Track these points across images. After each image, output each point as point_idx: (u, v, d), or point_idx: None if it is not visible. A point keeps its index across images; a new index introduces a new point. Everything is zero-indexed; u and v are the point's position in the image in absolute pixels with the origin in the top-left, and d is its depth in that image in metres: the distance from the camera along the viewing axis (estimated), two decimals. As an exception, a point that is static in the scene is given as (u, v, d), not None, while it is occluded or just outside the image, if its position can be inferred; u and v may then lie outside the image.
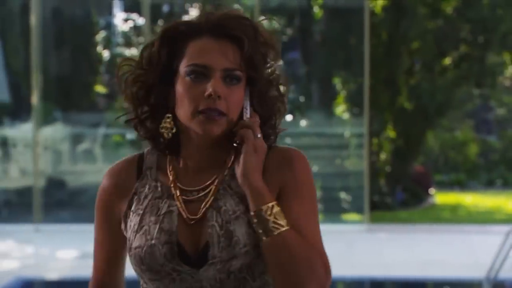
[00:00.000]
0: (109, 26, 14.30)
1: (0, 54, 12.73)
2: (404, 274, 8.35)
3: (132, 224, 1.85)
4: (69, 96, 13.16)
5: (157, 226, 1.82)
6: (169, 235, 1.81)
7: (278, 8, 13.39)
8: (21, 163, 12.39)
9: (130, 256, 1.84)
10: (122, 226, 1.90)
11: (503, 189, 17.15)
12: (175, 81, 1.84)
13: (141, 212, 1.85)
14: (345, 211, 11.88)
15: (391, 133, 14.77)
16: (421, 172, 15.91)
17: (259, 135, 1.83)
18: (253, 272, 1.81)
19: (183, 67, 1.83)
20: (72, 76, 13.27)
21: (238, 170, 1.81)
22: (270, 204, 1.77)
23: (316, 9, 13.87)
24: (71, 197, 12.47)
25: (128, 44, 14.24)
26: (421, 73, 14.99)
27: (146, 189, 1.88)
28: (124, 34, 14.19)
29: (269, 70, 1.88)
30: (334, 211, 11.63)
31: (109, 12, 14.39)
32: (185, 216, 1.83)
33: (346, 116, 13.70)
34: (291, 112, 11.61)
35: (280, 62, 1.92)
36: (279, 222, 1.76)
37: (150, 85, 1.86)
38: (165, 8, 14.13)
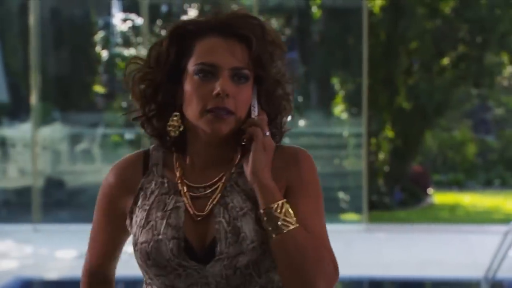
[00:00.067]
0: (108, 26, 14.29)
1: (-2, 54, 12.74)
2: (403, 274, 8.36)
3: (138, 220, 1.86)
4: (67, 96, 13.16)
5: (164, 222, 1.83)
6: (176, 231, 1.81)
7: (276, 8, 13.40)
8: (20, 163, 12.39)
9: (136, 251, 1.85)
10: (127, 222, 1.91)
11: (501, 189, 17.15)
12: (183, 79, 1.85)
13: (147, 207, 1.86)
14: (343, 211, 11.88)
15: (389, 133, 14.78)
16: (420, 172, 15.91)
17: (267, 133, 1.84)
18: (259, 269, 1.82)
19: (191, 66, 1.84)
20: (70, 76, 13.27)
21: (248, 168, 1.81)
22: (279, 202, 1.78)
23: (315, 9, 13.87)
24: (70, 197, 12.46)
25: (127, 44, 14.24)
26: (419, 73, 14.99)
27: (153, 185, 1.89)
28: (123, 34, 14.19)
29: (276, 69, 1.88)
30: (333, 211, 11.62)
31: (108, 12, 14.39)
32: (191, 212, 1.84)
33: (344, 116, 13.70)
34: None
35: (286, 61, 1.92)
36: (288, 219, 1.77)
37: (158, 83, 1.87)
38: (164, 8, 14.13)
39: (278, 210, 1.77)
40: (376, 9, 14.17)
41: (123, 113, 2.03)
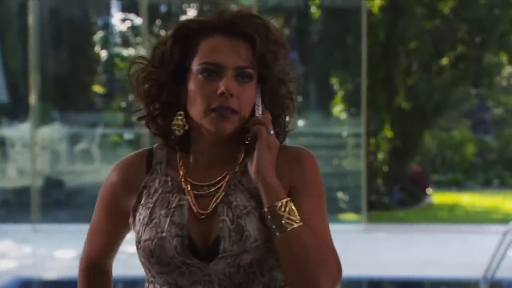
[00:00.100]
0: (107, 26, 14.29)
1: (-2, 54, 12.74)
2: (402, 274, 8.36)
3: (142, 218, 1.87)
4: (67, 96, 13.16)
5: (168, 219, 1.83)
6: (180, 228, 1.82)
7: (276, 8, 13.39)
8: (19, 163, 12.39)
9: (139, 249, 1.85)
10: (130, 220, 1.92)
11: (500, 189, 17.16)
12: (187, 79, 1.86)
13: (151, 205, 1.87)
14: (342, 210, 11.89)
15: (388, 133, 14.78)
16: (419, 172, 15.92)
17: (271, 132, 1.84)
18: (262, 267, 1.82)
19: (195, 65, 1.84)
20: (70, 76, 13.27)
21: (252, 167, 1.82)
22: (284, 201, 1.79)
23: (314, 9, 13.87)
24: (69, 197, 12.46)
25: (126, 44, 14.24)
26: (418, 73, 14.99)
27: (156, 183, 1.90)
28: (122, 34, 14.19)
29: (280, 68, 1.89)
30: (332, 211, 11.62)
31: (107, 12, 14.38)
32: (195, 211, 1.84)
33: (343, 116, 13.71)
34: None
35: (290, 60, 1.93)
36: (292, 218, 1.78)
37: (162, 83, 1.88)
38: (163, 8, 14.13)
39: (282, 209, 1.78)
40: (375, 9, 14.18)
41: (131, 112, 2.04)
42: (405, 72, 14.69)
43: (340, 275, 1.82)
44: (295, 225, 1.77)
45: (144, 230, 1.85)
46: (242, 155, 1.89)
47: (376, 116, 14.23)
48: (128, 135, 13.30)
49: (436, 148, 18.02)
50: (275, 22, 1.92)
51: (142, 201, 1.89)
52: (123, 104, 13.78)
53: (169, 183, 1.89)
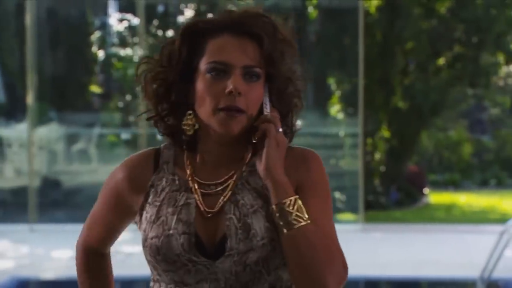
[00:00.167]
0: (104, 26, 14.30)
1: (-5, 54, 12.74)
2: (399, 274, 8.37)
3: (149, 216, 1.88)
4: (64, 96, 13.16)
5: (175, 217, 1.84)
6: (187, 226, 1.83)
7: (273, 8, 13.39)
8: (16, 163, 12.39)
9: (145, 247, 1.86)
10: (137, 218, 1.93)
11: (497, 188, 17.19)
12: (195, 78, 1.87)
13: (158, 204, 1.88)
14: (339, 210, 11.89)
15: (385, 133, 14.80)
16: (415, 172, 15.94)
17: (280, 130, 1.85)
18: (269, 266, 1.82)
19: (203, 65, 1.85)
20: (67, 76, 13.27)
21: (261, 164, 1.82)
22: (292, 198, 1.79)
23: (311, 9, 13.89)
24: (66, 197, 12.46)
25: (123, 44, 14.24)
26: (415, 73, 15.01)
27: (163, 182, 1.91)
28: (119, 34, 14.19)
29: (287, 67, 1.89)
30: (329, 211, 11.61)
31: (104, 12, 14.39)
32: (202, 209, 1.85)
33: (340, 116, 13.72)
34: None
35: (298, 60, 1.93)
36: (300, 215, 1.78)
37: (170, 82, 1.88)
38: (160, 9, 14.13)
39: (291, 206, 1.78)
40: (372, 9, 14.19)
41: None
42: (402, 72, 14.71)
43: (346, 275, 1.81)
44: (303, 223, 1.77)
45: (151, 228, 1.85)
46: (249, 155, 1.90)
47: (373, 116, 14.24)
48: (125, 135, 13.30)
49: (433, 148, 18.05)
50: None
51: (149, 200, 1.90)
52: (120, 104, 13.79)
53: (176, 182, 1.90)
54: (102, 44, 14.16)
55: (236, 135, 1.84)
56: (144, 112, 1.97)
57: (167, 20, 14.16)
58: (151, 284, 1.93)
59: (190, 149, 1.92)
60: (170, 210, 1.85)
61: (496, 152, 18.21)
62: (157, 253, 1.83)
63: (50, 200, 11.96)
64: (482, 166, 18.06)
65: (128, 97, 13.71)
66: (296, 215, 1.78)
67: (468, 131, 18.46)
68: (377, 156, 14.78)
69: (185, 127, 1.87)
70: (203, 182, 1.88)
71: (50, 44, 12.74)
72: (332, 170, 12.29)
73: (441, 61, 15.01)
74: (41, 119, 12.14)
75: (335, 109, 13.78)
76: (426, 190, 15.82)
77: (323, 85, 13.88)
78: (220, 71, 1.83)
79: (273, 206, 1.79)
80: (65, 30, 13.17)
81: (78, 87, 13.64)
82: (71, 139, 12.87)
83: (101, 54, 14.21)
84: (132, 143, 12.63)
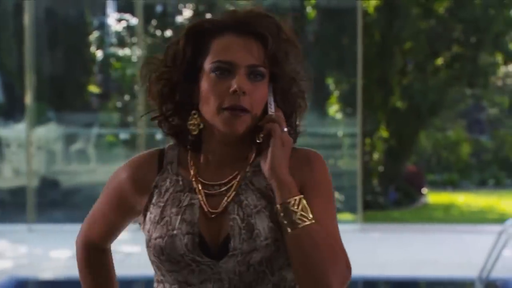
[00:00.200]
0: (103, 26, 14.30)
1: (-7, 54, 12.73)
2: (397, 274, 8.37)
3: (153, 216, 1.88)
4: (62, 96, 13.16)
5: (179, 217, 1.84)
6: (191, 226, 1.83)
7: (271, 8, 13.37)
8: (15, 163, 12.39)
9: (149, 247, 1.86)
10: (140, 219, 1.93)
11: (495, 188, 17.20)
12: (199, 78, 1.87)
13: (162, 204, 1.88)
14: (338, 210, 11.86)
15: (384, 133, 14.80)
16: (414, 172, 15.94)
17: (285, 129, 1.85)
18: (272, 266, 1.82)
19: (208, 64, 1.85)
20: (65, 76, 13.27)
21: (266, 164, 1.82)
22: (297, 198, 1.79)
23: (309, 9, 13.89)
24: (64, 197, 12.46)
25: (122, 44, 14.25)
26: (414, 73, 15.02)
27: (167, 182, 1.91)
28: (118, 34, 14.19)
29: (291, 67, 1.90)
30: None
31: (103, 12, 14.39)
32: (206, 210, 1.85)
33: (339, 116, 13.73)
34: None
35: (302, 60, 1.94)
36: (305, 215, 1.78)
37: (175, 82, 1.88)
38: (158, 9, 14.14)
39: (296, 206, 1.78)
40: (371, 9, 14.19)
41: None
42: (401, 72, 14.71)
43: (350, 275, 1.82)
44: (307, 222, 1.78)
45: (155, 228, 1.85)
46: (253, 155, 1.90)
47: (372, 116, 14.24)
48: (123, 135, 13.30)
49: (431, 148, 18.05)
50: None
51: (153, 200, 1.90)
52: (119, 104, 13.79)
53: (180, 183, 1.90)
54: (101, 44, 14.16)
55: (240, 134, 1.84)
56: (147, 112, 1.97)
57: (165, 20, 14.17)
58: (155, 285, 1.93)
59: (194, 149, 1.92)
60: (174, 210, 1.85)
61: (495, 152, 18.22)
62: (161, 253, 1.83)
63: (49, 200, 11.95)
64: (480, 166, 18.07)
65: (127, 97, 13.72)
66: (301, 215, 1.78)
67: (467, 131, 18.47)
68: (376, 156, 14.78)
69: (191, 127, 1.87)
70: (206, 182, 1.88)
71: (49, 44, 12.73)
72: (330, 170, 12.25)
73: (440, 61, 15.01)
74: (40, 119, 12.14)
75: (334, 109, 13.78)
76: (424, 190, 15.83)
77: (321, 85, 13.87)
78: (225, 70, 1.83)
79: (278, 206, 1.79)
80: (63, 30, 13.17)
81: (76, 87, 13.64)
82: (69, 139, 12.87)
83: (99, 54, 14.21)
84: (130, 143, 12.63)
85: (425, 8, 14.58)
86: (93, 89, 14.10)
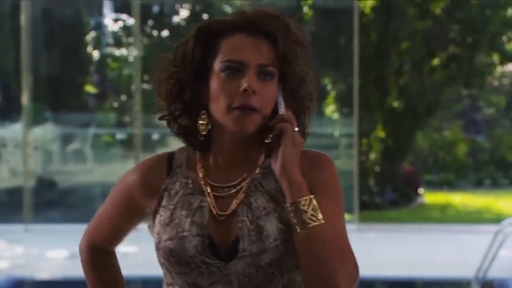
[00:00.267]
0: (99, 27, 14.29)
1: (-10, 54, 12.72)
2: (394, 274, 8.38)
3: (162, 219, 1.88)
4: (59, 96, 13.15)
5: (189, 219, 1.84)
6: (201, 228, 1.83)
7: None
8: (11, 163, 12.38)
9: (159, 250, 1.86)
10: (150, 222, 1.93)
11: (491, 188, 17.21)
12: (208, 78, 1.87)
13: (172, 207, 1.88)
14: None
15: (380, 133, 14.81)
16: (410, 172, 15.95)
17: (296, 129, 1.85)
18: (282, 268, 1.83)
19: (217, 64, 1.85)
20: (62, 76, 13.26)
21: (277, 163, 1.82)
22: (307, 197, 1.79)
23: (306, 10, 13.89)
24: (61, 197, 12.45)
25: (118, 44, 14.24)
26: (410, 73, 15.03)
27: (177, 185, 1.91)
28: (114, 34, 14.19)
29: (300, 67, 1.90)
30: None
31: (99, 13, 14.38)
32: (215, 212, 1.85)
33: (335, 116, 13.73)
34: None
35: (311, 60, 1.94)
36: (315, 215, 1.78)
37: (184, 82, 1.89)
38: (155, 9, 14.13)
39: (306, 206, 1.78)
40: (367, 10, 14.20)
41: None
42: (397, 72, 14.72)
43: (357, 275, 1.83)
44: (317, 222, 1.77)
45: (165, 230, 1.86)
46: (263, 157, 1.90)
47: (368, 116, 14.25)
48: (120, 135, 13.29)
49: (428, 148, 18.06)
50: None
51: (163, 203, 1.90)
52: (116, 104, 13.78)
53: (190, 185, 1.90)
54: (97, 44, 14.16)
55: (250, 133, 1.83)
56: (157, 110, 1.96)
57: (162, 20, 14.16)
58: (164, 287, 1.94)
59: (203, 150, 1.92)
60: (184, 213, 1.86)
61: (491, 152, 18.23)
62: (171, 255, 1.83)
63: (45, 200, 11.95)
64: (477, 166, 18.08)
65: (123, 97, 13.71)
66: (311, 214, 1.77)
67: (463, 131, 18.47)
68: (372, 156, 14.79)
69: (200, 127, 1.87)
70: (215, 184, 1.89)
71: (45, 44, 12.73)
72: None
73: (436, 61, 15.03)
74: (36, 119, 12.13)
75: (330, 109, 13.79)
76: (421, 190, 15.83)
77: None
78: (235, 69, 1.83)
79: (288, 205, 1.79)
80: (60, 30, 13.16)
81: (73, 87, 13.64)
82: (66, 139, 12.86)
83: (96, 54, 14.20)
84: (127, 143, 12.62)
85: (422, 8, 14.59)
86: (90, 89, 14.09)
